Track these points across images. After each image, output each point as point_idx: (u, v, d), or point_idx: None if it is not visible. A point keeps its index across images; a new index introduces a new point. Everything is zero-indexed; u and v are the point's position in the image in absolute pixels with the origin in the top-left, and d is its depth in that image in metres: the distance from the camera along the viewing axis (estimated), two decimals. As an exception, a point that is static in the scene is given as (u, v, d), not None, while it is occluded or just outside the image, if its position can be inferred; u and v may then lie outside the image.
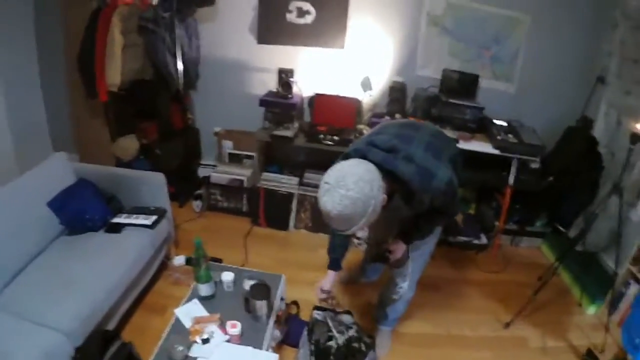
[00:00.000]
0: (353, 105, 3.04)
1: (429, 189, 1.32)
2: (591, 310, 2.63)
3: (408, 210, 1.46)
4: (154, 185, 2.40)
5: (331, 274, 1.80)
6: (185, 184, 3.27)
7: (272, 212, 2.97)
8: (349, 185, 1.15)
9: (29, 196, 2.02)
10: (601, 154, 3.17)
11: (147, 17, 2.86)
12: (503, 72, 3.32)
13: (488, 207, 3.20)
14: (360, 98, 3.10)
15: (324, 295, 1.81)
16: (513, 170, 2.93)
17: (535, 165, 3.09)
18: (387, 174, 1.27)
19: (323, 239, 2.92)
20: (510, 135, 2.94)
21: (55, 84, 3.48)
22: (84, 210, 2.12)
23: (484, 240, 3.07)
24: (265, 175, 3.01)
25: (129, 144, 3.20)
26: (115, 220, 2.18)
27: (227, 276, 1.84)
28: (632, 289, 2.44)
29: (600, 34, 3.25)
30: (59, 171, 2.23)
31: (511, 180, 2.94)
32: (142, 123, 3.22)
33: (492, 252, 3.09)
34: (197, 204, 3.11)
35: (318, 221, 2.95)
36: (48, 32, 3.37)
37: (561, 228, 3.29)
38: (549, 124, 3.36)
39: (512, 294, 2.63)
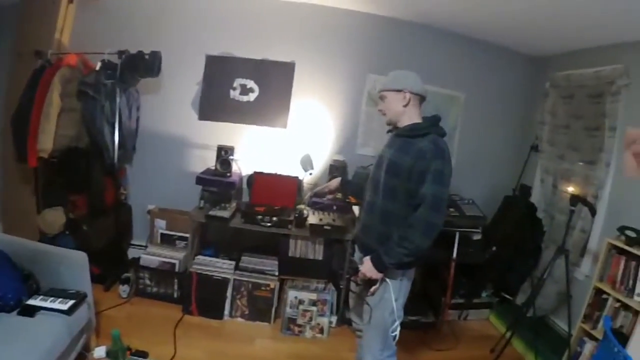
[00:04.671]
0: (293, 185, 3.00)
1: (428, 154, 1.58)
2: (549, 375, 2.55)
3: (403, 154, 1.65)
4: (75, 265, 2.17)
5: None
6: (112, 266, 3.00)
7: (206, 299, 2.74)
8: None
9: None
10: (541, 219, 3.27)
11: (89, 82, 2.78)
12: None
13: (433, 284, 3.15)
14: (300, 177, 3.07)
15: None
16: (456, 244, 2.91)
17: (477, 237, 3.12)
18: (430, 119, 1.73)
19: (260, 328, 2.76)
20: (451, 209, 2.97)
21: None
22: (-5, 288, 1.89)
23: (431, 317, 2.98)
24: (199, 258, 2.81)
25: (55, 217, 2.93)
26: (30, 302, 1.93)
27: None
28: (588, 346, 2.42)
29: (532, 106, 3.55)
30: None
31: (455, 254, 2.92)
32: (71, 195, 3.00)
33: (441, 329, 3.00)
34: (124, 289, 2.83)
35: (255, 308, 2.77)
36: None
37: (508, 296, 3.31)
38: (488, 194, 3.50)
39: (468, 370, 2.52)
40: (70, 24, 3.15)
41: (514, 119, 3.62)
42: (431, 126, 1.68)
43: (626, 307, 2.24)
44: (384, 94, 1.74)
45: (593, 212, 2.50)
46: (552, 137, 3.31)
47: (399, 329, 1.75)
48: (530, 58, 3.55)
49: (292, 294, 2.70)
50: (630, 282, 2.24)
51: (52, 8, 3.01)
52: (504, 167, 3.61)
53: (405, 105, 1.70)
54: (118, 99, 2.83)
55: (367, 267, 1.69)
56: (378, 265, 1.66)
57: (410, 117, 1.72)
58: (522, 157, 3.51)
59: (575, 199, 2.46)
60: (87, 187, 2.98)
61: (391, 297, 1.71)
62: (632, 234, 2.26)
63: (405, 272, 1.74)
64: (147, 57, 2.83)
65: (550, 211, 3.29)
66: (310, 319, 2.70)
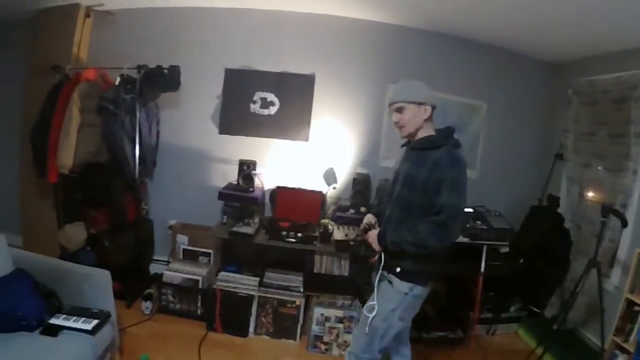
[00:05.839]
0: (317, 199, 2.95)
1: (443, 164, 1.57)
2: (580, 389, 2.48)
3: (418, 167, 1.64)
4: (98, 283, 2.14)
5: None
6: (134, 281, 2.98)
7: (230, 316, 2.68)
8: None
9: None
10: (569, 230, 3.17)
11: (108, 97, 2.76)
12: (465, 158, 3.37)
13: (460, 298, 3.06)
14: (323, 191, 3.02)
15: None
16: (484, 257, 2.83)
17: (505, 249, 3.04)
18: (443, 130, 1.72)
19: (286, 345, 2.70)
20: (478, 222, 2.90)
21: (7, 158, 3.33)
22: (17, 307, 1.84)
23: (459, 333, 2.89)
24: (223, 275, 2.76)
25: (76, 233, 2.92)
26: (53, 321, 1.90)
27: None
28: (620, 360, 2.35)
29: (555, 114, 3.47)
30: (-4, 257, 1.98)
31: (483, 267, 2.84)
32: (92, 210, 2.97)
33: (469, 344, 2.91)
34: (146, 305, 2.79)
35: (280, 326, 2.71)
36: (8, 102, 3.26)
37: (536, 309, 3.21)
38: (513, 205, 3.40)
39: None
40: (88, 38, 3.16)
41: (537, 127, 3.54)
42: (446, 137, 1.68)
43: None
44: (403, 105, 1.69)
45: (624, 223, 2.41)
46: (577, 145, 3.23)
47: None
48: (550, 64, 3.49)
49: (318, 311, 2.64)
50: (663, 293, 2.17)
51: (68, 22, 3.02)
52: (529, 176, 3.52)
53: (427, 119, 1.69)
54: (138, 114, 2.83)
55: (373, 234, 1.77)
56: (380, 238, 1.72)
57: (426, 129, 1.72)
58: (547, 165, 3.42)
59: (606, 210, 2.40)
60: (108, 203, 2.95)
61: (388, 303, 1.70)
62: (664, 244, 2.19)
63: (413, 287, 1.68)
64: (166, 71, 2.83)
65: (577, 221, 3.19)
66: (337, 336, 2.63)
